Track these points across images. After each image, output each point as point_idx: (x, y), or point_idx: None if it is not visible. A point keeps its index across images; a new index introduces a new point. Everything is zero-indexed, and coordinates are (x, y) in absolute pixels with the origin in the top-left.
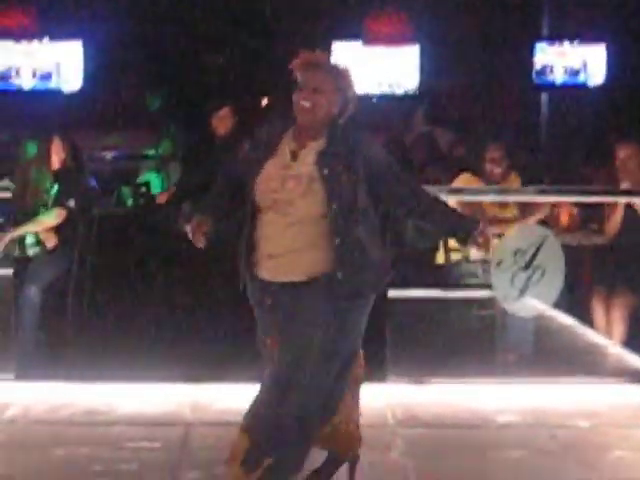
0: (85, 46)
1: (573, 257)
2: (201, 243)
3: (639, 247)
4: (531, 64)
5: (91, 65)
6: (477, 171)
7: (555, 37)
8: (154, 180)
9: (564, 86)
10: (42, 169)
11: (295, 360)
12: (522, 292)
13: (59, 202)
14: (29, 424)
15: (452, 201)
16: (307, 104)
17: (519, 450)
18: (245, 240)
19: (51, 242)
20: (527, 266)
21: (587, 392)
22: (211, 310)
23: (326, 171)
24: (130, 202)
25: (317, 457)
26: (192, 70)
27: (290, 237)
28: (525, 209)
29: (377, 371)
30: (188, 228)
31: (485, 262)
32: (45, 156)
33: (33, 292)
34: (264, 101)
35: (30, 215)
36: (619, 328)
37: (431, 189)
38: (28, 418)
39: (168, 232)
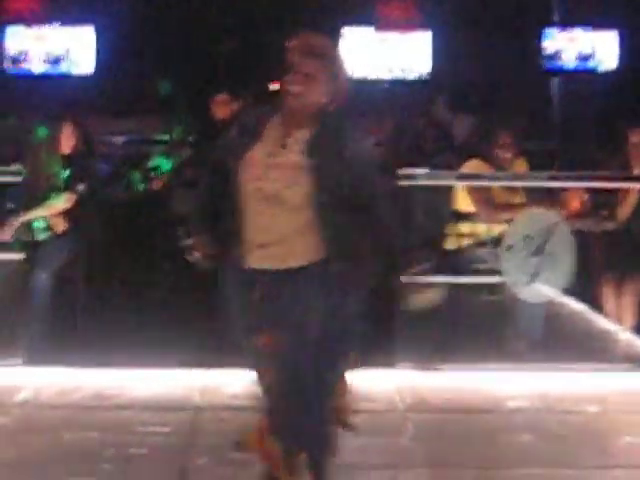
0: (97, 31)
1: (583, 243)
2: (208, 264)
3: None
4: (541, 50)
5: (103, 50)
6: (486, 157)
7: (566, 23)
8: (164, 165)
9: (575, 71)
10: (52, 153)
11: (303, 356)
12: (532, 278)
13: (69, 186)
14: (39, 408)
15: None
16: (296, 89)
17: (529, 435)
18: (231, 228)
19: (60, 227)
20: (537, 252)
21: (597, 378)
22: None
23: (314, 161)
24: (142, 187)
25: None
26: (203, 55)
27: (278, 226)
28: (533, 195)
29: (387, 356)
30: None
31: (496, 247)
32: (55, 141)
33: (43, 277)
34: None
35: (40, 200)
36: (629, 314)
37: (443, 174)
38: (38, 402)
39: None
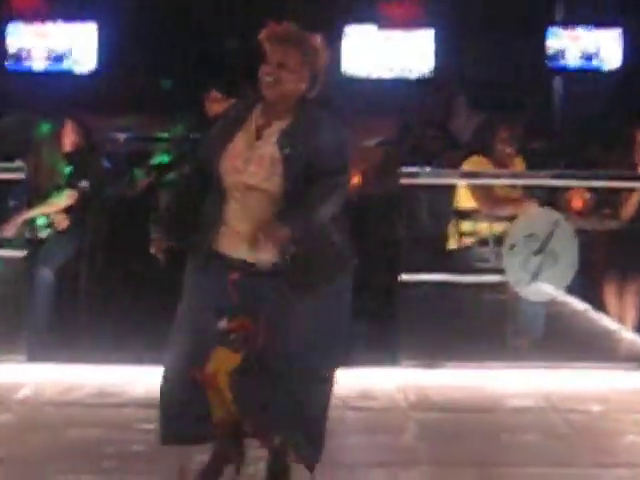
0: (99, 28)
1: (586, 242)
2: (163, 259)
3: None
4: (544, 48)
5: (105, 47)
6: (488, 152)
7: (569, 21)
8: (166, 162)
9: (578, 70)
10: (54, 151)
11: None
12: (535, 276)
13: (71, 184)
14: (40, 405)
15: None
16: (270, 79)
17: (531, 434)
18: (211, 213)
19: (63, 224)
20: (540, 250)
21: (600, 377)
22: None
23: (287, 151)
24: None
25: None
26: (206, 53)
27: (257, 216)
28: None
29: (389, 355)
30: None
31: (498, 246)
32: (57, 137)
33: (45, 274)
34: None
35: (42, 197)
36: (632, 313)
37: (446, 173)
38: (39, 399)
39: None
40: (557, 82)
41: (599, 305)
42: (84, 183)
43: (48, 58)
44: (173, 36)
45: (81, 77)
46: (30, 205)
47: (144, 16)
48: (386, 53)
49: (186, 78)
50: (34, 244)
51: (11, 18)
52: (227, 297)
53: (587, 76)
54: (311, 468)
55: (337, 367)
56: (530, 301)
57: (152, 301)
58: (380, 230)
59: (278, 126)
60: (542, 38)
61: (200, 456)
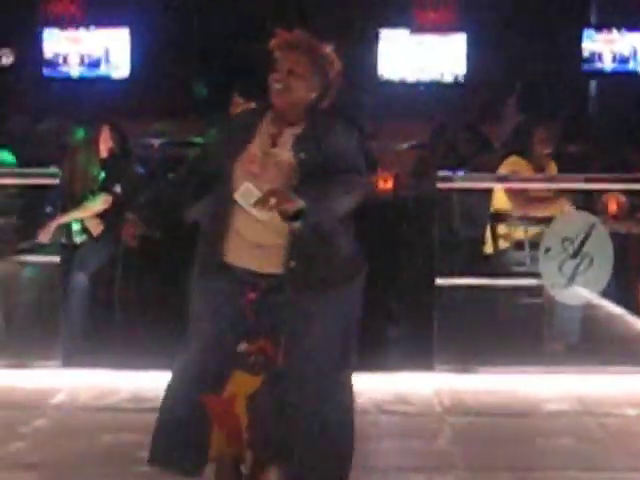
0: (132, 33)
1: (621, 245)
2: (132, 243)
3: None
4: (579, 52)
5: (138, 52)
6: (525, 153)
7: (603, 24)
8: None
9: (613, 73)
10: (90, 156)
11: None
12: (570, 280)
13: (105, 189)
14: (75, 410)
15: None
16: (279, 86)
17: (567, 438)
18: (221, 226)
19: (97, 230)
20: (575, 254)
21: (635, 381)
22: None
23: (302, 155)
24: None
25: None
26: (239, 57)
27: (278, 226)
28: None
29: (425, 359)
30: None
31: (534, 250)
32: (93, 143)
33: (80, 279)
34: None
35: (77, 202)
36: None
37: (480, 176)
38: (74, 404)
39: None
40: (592, 85)
41: (634, 309)
42: (118, 188)
43: (82, 64)
44: (207, 40)
45: (116, 82)
46: (65, 211)
47: (177, 21)
48: (419, 57)
49: (220, 82)
50: (69, 250)
51: (46, 24)
52: (243, 317)
53: (622, 79)
54: None
55: (350, 376)
56: (566, 305)
57: (186, 306)
58: (415, 234)
59: (292, 131)
60: (577, 41)
61: None
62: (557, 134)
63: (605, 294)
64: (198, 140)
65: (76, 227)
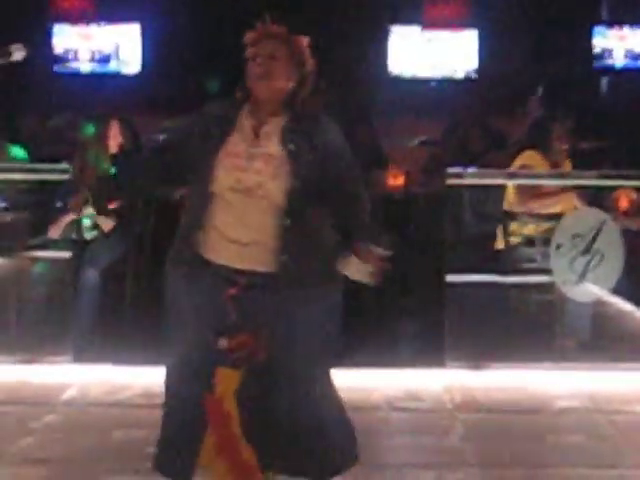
0: (143, 29)
1: (632, 242)
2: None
3: None
4: (591, 48)
5: (149, 48)
6: (541, 149)
7: (615, 21)
8: None
9: (624, 70)
10: (99, 151)
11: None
12: (581, 277)
13: (116, 185)
14: (87, 406)
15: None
16: (259, 69)
17: (577, 435)
18: (199, 221)
19: (108, 225)
20: (586, 251)
21: None
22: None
23: (291, 147)
24: None
25: None
26: None
27: (260, 221)
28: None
29: (435, 356)
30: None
31: (545, 246)
32: (102, 138)
33: (91, 275)
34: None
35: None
36: None
37: (491, 173)
38: (86, 400)
39: None
40: (603, 82)
41: None
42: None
43: (93, 60)
44: (218, 36)
45: (127, 78)
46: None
47: (188, 16)
48: (430, 53)
49: (232, 78)
50: (80, 245)
51: (56, 19)
52: (224, 313)
53: (634, 75)
54: None
55: (329, 371)
56: (576, 301)
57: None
58: (425, 230)
59: (275, 123)
60: (588, 38)
61: None
62: (573, 131)
63: (616, 291)
64: None
65: (87, 223)
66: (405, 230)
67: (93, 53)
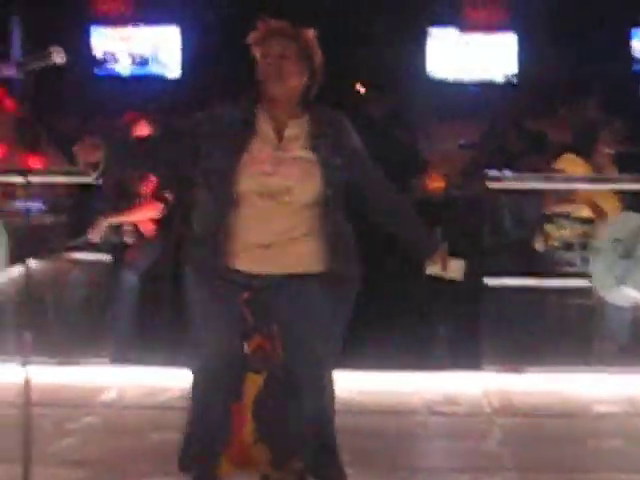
0: (182, 31)
1: None
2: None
3: None
4: (630, 51)
5: (188, 51)
6: (584, 153)
7: None
8: None
9: None
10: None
11: (313, 365)
12: (620, 281)
13: (157, 194)
14: (124, 408)
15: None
16: (274, 70)
17: (616, 439)
18: (221, 227)
19: (148, 230)
20: (626, 255)
21: None
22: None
23: (322, 154)
24: None
25: None
26: None
27: (285, 225)
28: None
29: (473, 359)
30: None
31: (584, 250)
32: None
33: (130, 277)
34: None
35: (128, 202)
36: None
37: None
38: (123, 402)
39: None
40: None
41: None
42: (169, 194)
43: (133, 62)
44: None
45: (166, 81)
46: (116, 210)
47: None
48: (469, 56)
49: None
50: (119, 248)
51: (95, 22)
52: (242, 319)
53: None
54: None
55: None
56: (615, 306)
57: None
58: (464, 233)
59: (298, 126)
60: (627, 41)
61: None
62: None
63: None
64: None
65: (127, 227)
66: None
67: (132, 56)
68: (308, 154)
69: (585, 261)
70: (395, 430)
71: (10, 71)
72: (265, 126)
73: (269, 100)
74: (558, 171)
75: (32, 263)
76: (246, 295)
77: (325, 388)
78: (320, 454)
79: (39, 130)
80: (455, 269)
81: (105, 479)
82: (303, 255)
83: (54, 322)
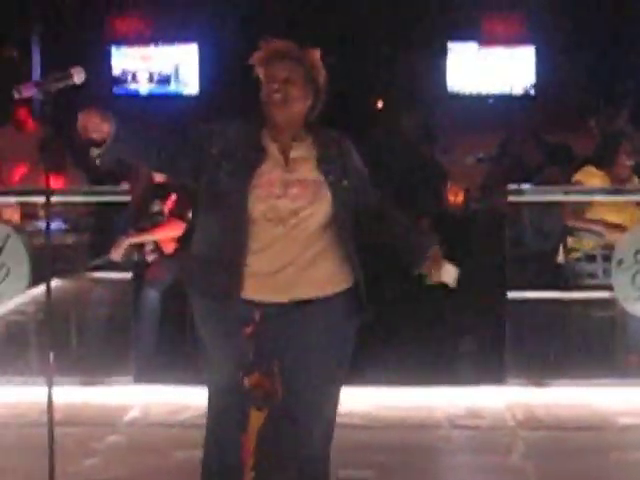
0: (201, 49)
1: None
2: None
3: None
4: None
5: (207, 68)
6: (604, 165)
7: None
8: None
9: None
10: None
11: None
12: None
13: (177, 213)
14: (148, 427)
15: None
16: (279, 96)
17: None
18: (231, 253)
19: (170, 247)
20: None
21: None
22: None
23: (331, 177)
24: None
25: None
26: None
27: (296, 251)
28: None
29: (496, 373)
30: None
31: (606, 262)
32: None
33: (152, 295)
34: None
35: (149, 221)
36: None
37: (550, 189)
38: (147, 421)
39: None
40: None
41: None
42: (190, 213)
43: (152, 81)
44: None
45: (185, 99)
46: (137, 229)
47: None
48: (488, 70)
49: None
50: (141, 267)
51: (115, 41)
52: (244, 352)
53: None
54: None
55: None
56: (638, 318)
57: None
58: (486, 247)
59: (304, 147)
60: None
61: None
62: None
63: None
64: None
65: (149, 246)
66: (466, 247)
67: (151, 74)
68: (317, 176)
69: (608, 273)
70: (418, 445)
71: (31, 92)
72: (272, 148)
73: (273, 123)
74: (576, 183)
75: (54, 283)
76: (249, 329)
77: (321, 428)
78: None
79: (62, 150)
80: (448, 273)
81: None
82: (315, 279)
83: (77, 341)
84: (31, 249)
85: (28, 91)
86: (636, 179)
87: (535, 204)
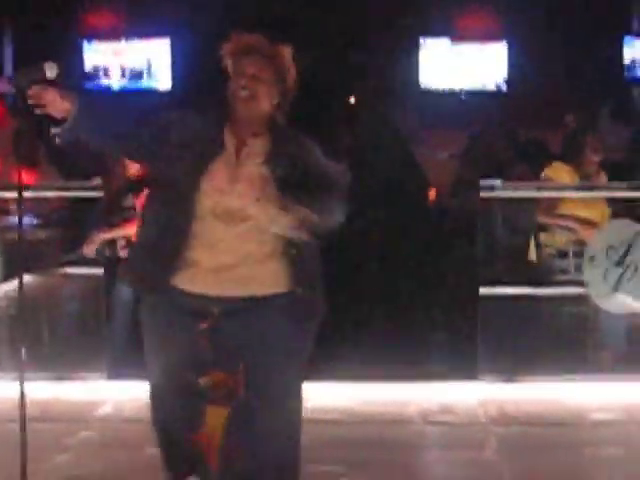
0: (173, 44)
1: None
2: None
3: None
4: (621, 59)
5: (180, 63)
6: (572, 161)
7: None
8: None
9: None
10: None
11: (276, 398)
12: (615, 289)
13: None
14: (121, 422)
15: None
16: (245, 93)
17: (613, 448)
18: (166, 244)
19: None
20: (620, 262)
21: None
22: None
23: (279, 172)
24: None
25: None
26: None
27: (241, 247)
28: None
29: (469, 369)
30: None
31: (578, 258)
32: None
33: (124, 292)
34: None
35: (120, 216)
36: None
37: (522, 185)
38: (120, 416)
39: None
40: (636, 93)
41: None
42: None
43: (124, 76)
44: None
45: (158, 94)
46: (109, 224)
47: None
48: (460, 66)
49: None
50: (113, 262)
51: (86, 36)
52: (199, 349)
53: None
54: None
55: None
56: (610, 313)
57: None
58: (457, 243)
59: (258, 144)
60: (618, 49)
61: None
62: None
63: None
64: None
65: (121, 240)
66: (438, 243)
67: (124, 69)
68: (265, 172)
69: (580, 269)
70: (391, 440)
71: (3, 87)
72: (230, 143)
73: (236, 118)
74: (546, 179)
75: (27, 278)
76: (204, 325)
77: (287, 421)
78: None
79: (35, 144)
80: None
81: None
82: (263, 277)
83: (49, 337)
84: (3, 244)
85: (1, 86)
86: (604, 175)
87: (507, 200)
